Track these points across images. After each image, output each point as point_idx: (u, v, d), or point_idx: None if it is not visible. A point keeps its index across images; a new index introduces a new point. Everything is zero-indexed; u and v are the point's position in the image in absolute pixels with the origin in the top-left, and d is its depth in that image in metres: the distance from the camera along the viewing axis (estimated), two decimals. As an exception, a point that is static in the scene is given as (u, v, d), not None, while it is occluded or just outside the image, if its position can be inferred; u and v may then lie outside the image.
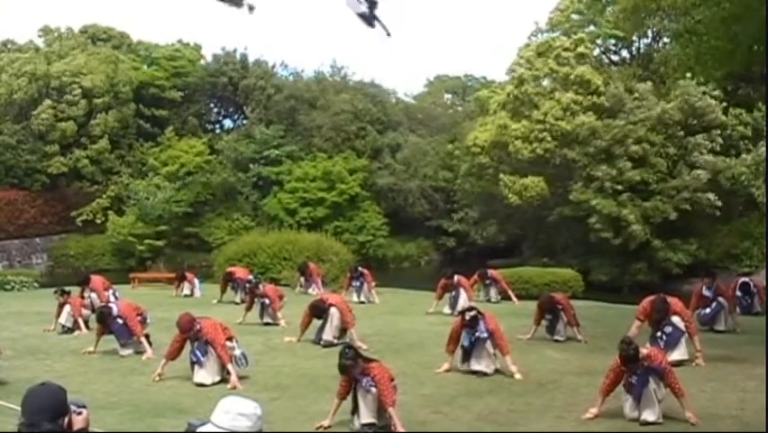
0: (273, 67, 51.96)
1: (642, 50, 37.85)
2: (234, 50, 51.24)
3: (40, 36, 49.98)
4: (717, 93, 30.17)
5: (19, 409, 3.53)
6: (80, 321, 13.96)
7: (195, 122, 50.04)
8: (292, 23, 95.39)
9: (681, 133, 31.14)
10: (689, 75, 15.09)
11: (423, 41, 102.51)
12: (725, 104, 30.66)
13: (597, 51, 39.01)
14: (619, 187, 30.89)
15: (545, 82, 36.40)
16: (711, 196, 30.03)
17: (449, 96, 62.61)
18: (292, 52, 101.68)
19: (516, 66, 37.22)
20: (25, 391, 3.56)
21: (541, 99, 35.12)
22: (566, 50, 35.32)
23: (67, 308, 14.08)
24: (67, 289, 14.91)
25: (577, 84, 34.36)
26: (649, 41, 36.87)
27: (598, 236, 31.06)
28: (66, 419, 3.52)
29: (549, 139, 33.72)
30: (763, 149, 29.41)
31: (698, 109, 30.75)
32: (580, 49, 35.21)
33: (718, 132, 31.08)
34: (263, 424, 3.74)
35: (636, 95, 32.51)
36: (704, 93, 30.18)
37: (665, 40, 34.33)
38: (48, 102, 42.52)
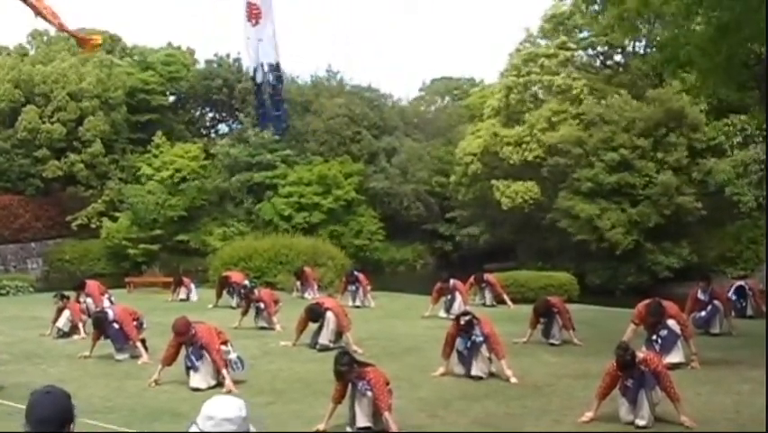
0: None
1: (635, 55, 37.98)
2: (227, 55, 51.32)
3: (29, 41, 49.94)
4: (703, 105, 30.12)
5: (15, 405, 3.49)
6: (80, 326, 13.94)
7: (190, 126, 49.93)
8: (290, 28, 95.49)
9: (664, 131, 31.34)
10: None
11: (422, 44, 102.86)
12: (705, 105, 30.51)
13: (588, 55, 39.22)
14: (602, 192, 31.18)
15: (534, 88, 36.74)
16: (691, 198, 30.23)
17: (445, 99, 62.70)
18: (288, 58, 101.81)
19: (506, 74, 37.63)
20: (29, 396, 3.50)
21: (528, 109, 35.54)
22: (550, 56, 35.60)
23: (66, 312, 14.06)
24: (66, 294, 14.90)
25: (561, 92, 34.68)
26: (643, 45, 37.01)
27: (578, 240, 31.38)
28: (72, 426, 3.47)
29: (536, 147, 34.17)
30: (752, 151, 29.54)
31: (676, 111, 30.98)
32: (564, 53, 35.48)
33: (701, 134, 31.31)
34: (262, 426, 3.70)
35: (620, 100, 32.79)
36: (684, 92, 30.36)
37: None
38: (31, 106, 42.34)
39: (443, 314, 15.67)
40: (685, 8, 11.67)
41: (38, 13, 9.10)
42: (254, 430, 3.73)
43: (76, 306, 14.54)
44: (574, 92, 34.37)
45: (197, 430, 3.59)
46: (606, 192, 31.35)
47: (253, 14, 8.75)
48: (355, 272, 18.96)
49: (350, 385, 7.75)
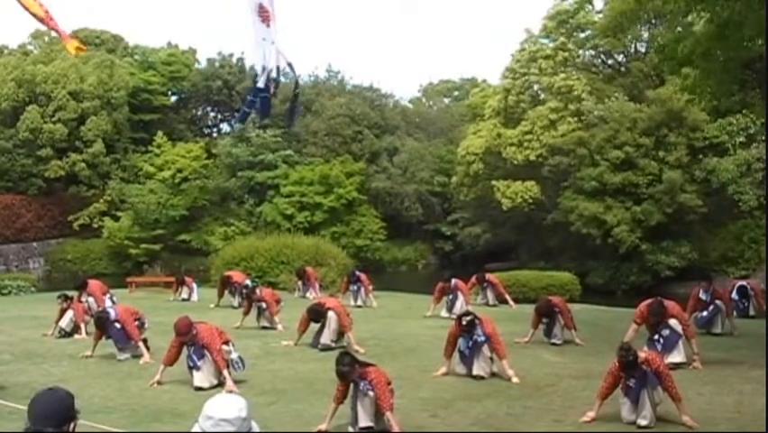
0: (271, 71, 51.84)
1: (636, 55, 37.96)
2: (231, 55, 51.32)
3: (30, 41, 49.97)
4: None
5: (16, 405, 3.53)
6: (83, 326, 13.94)
7: (191, 126, 49.87)
8: (289, 27, 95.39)
9: (665, 132, 31.37)
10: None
11: (422, 44, 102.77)
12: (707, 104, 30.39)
13: (590, 55, 39.21)
14: (606, 191, 31.19)
15: (535, 87, 36.76)
16: (693, 196, 30.23)
17: (446, 99, 62.69)
18: (288, 58, 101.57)
19: (507, 74, 37.64)
20: (33, 394, 3.55)
21: (528, 109, 35.54)
22: (548, 57, 35.62)
23: (69, 312, 14.05)
24: (69, 294, 14.91)
25: (560, 93, 34.69)
26: (644, 45, 36.99)
27: (580, 240, 31.38)
28: (72, 425, 3.50)
29: (538, 147, 34.19)
30: (755, 150, 29.50)
31: (676, 112, 31.02)
32: (563, 54, 35.49)
33: (701, 133, 31.34)
34: (263, 426, 3.68)
35: (618, 102, 32.83)
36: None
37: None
38: (33, 106, 42.34)
39: (444, 314, 15.67)
40: (685, 6, 11.67)
41: (25, 7, 8.96)
42: (257, 430, 3.72)
43: (79, 306, 14.53)
44: (575, 93, 34.38)
45: (199, 430, 3.59)
46: (611, 191, 31.32)
47: (264, 17, 8.75)
48: (357, 272, 18.96)
49: (351, 385, 7.75)
